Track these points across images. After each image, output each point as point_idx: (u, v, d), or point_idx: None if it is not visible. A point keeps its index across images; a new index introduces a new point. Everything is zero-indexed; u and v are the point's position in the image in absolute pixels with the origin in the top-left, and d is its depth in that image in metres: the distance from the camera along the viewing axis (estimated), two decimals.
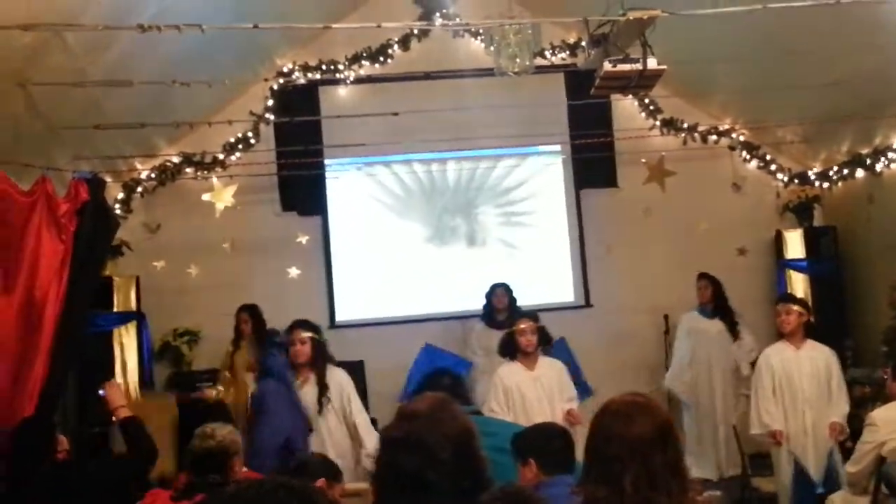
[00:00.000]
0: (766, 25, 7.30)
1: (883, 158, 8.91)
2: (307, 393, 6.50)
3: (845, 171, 9.63)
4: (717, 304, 9.11)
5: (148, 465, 5.10)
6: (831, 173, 9.88)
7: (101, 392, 5.41)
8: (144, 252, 9.56)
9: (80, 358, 6.98)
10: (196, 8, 6.68)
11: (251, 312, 8.76)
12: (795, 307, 7.11)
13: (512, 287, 9.30)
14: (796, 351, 7.01)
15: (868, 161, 9.14)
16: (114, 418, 5.23)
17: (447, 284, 10.26)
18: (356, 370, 9.44)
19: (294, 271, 10.00)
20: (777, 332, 7.31)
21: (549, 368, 6.97)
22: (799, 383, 6.93)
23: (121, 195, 9.44)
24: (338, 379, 6.61)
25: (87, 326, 7.14)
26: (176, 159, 9.53)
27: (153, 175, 9.56)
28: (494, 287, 9.32)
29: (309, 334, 6.60)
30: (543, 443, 4.10)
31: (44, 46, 6.02)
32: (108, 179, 8.49)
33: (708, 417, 9.03)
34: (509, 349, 6.98)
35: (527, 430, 4.40)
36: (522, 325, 6.89)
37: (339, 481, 4.50)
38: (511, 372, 6.90)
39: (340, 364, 9.33)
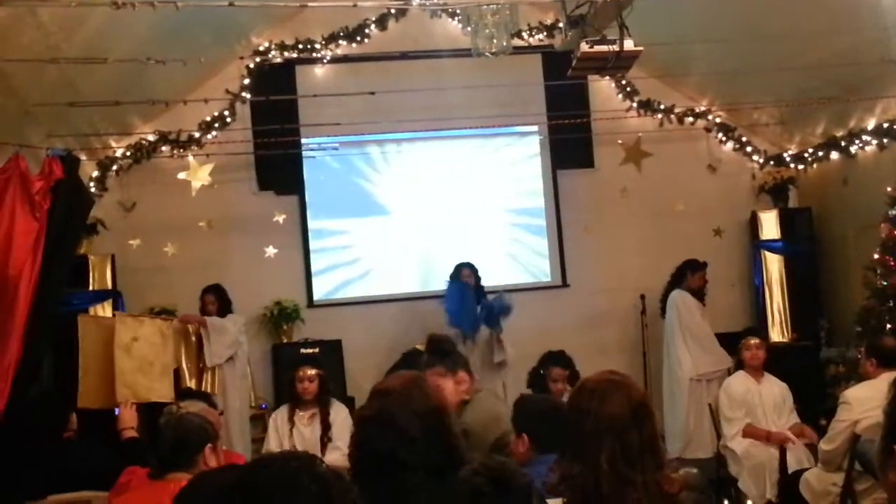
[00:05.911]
0: (742, 8, 7.35)
1: (857, 141, 8.98)
2: (314, 429, 6.45)
3: (820, 154, 9.70)
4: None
5: None
6: (806, 155, 9.94)
7: (115, 410, 5.82)
8: (120, 230, 9.47)
9: (56, 336, 6.94)
10: None
11: (216, 293, 8.63)
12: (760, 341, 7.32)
13: (490, 267, 9.25)
14: (757, 384, 7.15)
15: (842, 143, 9.21)
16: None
17: (425, 264, 10.25)
18: (334, 349, 9.46)
19: (271, 250, 9.93)
20: (738, 363, 7.40)
21: None
22: (762, 416, 7.04)
23: (96, 173, 9.34)
24: (343, 417, 6.44)
25: (62, 305, 7.11)
26: (151, 137, 9.44)
27: (128, 153, 9.46)
28: (460, 267, 9.16)
29: (314, 371, 6.55)
30: (539, 420, 4.04)
31: (16, 23, 5.96)
32: (83, 157, 8.42)
33: (694, 395, 9.06)
34: (538, 387, 6.94)
35: (527, 403, 4.35)
36: (555, 374, 6.84)
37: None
38: None
39: (318, 343, 9.42)
